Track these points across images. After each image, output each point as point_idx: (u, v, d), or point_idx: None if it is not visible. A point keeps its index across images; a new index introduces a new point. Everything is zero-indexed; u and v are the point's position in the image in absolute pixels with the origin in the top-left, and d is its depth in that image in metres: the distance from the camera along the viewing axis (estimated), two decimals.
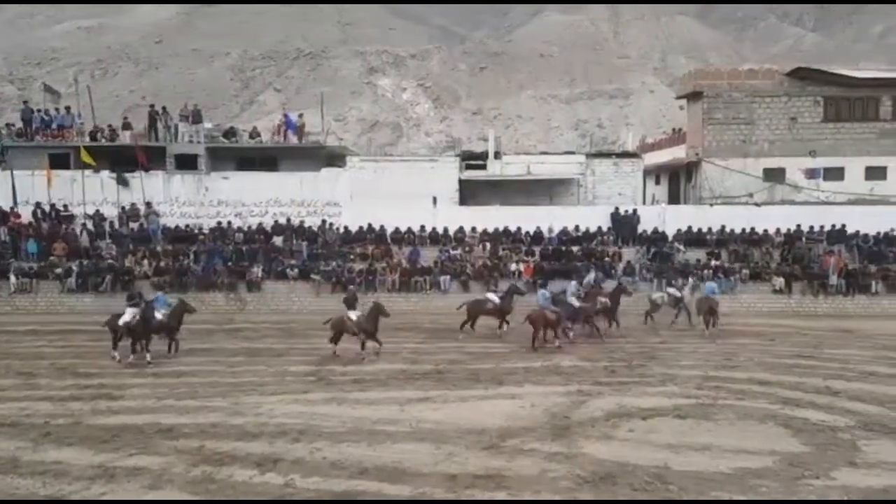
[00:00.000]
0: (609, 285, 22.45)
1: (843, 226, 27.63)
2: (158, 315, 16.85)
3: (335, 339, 16.83)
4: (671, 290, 22.47)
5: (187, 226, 28.31)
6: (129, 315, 16.24)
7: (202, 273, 25.83)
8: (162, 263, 26.26)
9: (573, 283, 20.65)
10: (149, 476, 8.95)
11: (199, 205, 28.84)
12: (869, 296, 25.63)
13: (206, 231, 28.05)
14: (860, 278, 25.74)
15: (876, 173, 30.73)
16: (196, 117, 30.33)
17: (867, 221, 27.74)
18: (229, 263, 26.40)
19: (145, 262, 26.33)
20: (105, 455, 9.63)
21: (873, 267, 26.13)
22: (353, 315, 16.91)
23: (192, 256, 26.71)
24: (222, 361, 16.00)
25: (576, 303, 19.34)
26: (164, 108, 31.39)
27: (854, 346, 18.21)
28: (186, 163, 29.45)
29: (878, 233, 27.60)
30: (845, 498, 8.20)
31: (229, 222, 28.44)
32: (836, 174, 30.79)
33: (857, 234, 27.54)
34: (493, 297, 20.45)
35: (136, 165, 28.24)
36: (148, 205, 28.49)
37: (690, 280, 24.22)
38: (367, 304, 19.21)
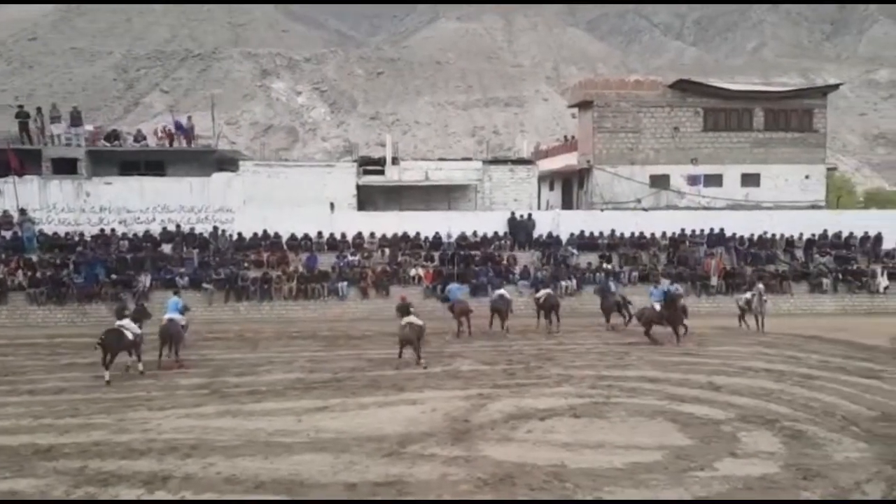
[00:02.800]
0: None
1: (722, 229, 29.27)
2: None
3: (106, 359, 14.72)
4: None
5: (67, 233, 26.73)
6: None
7: (83, 283, 24.41)
8: (38, 273, 24.66)
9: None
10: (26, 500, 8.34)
11: (80, 211, 27.31)
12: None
13: (87, 239, 26.57)
14: (738, 279, 27.31)
15: (750, 180, 32.79)
16: (75, 119, 28.67)
17: (743, 225, 29.51)
18: (113, 275, 25.08)
19: (19, 272, 24.65)
20: None
21: (749, 268, 27.79)
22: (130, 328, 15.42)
23: (71, 266, 25.22)
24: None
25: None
26: (38, 109, 29.46)
27: (733, 343, 19.26)
28: (65, 167, 27.80)
29: (753, 235, 29.38)
30: (727, 486, 8.63)
31: (113, 230, 27.06)
32: (715, 181, 32.65)
33: (734, 236, 29.21)
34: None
35: (7, 170, 26.42)
36: (22, 212, 26.71)
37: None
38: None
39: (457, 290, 21.69)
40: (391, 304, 24.89)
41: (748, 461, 9.48)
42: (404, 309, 16.76)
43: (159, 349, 16.42)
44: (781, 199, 32.28)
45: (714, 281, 27.17)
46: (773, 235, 29.42)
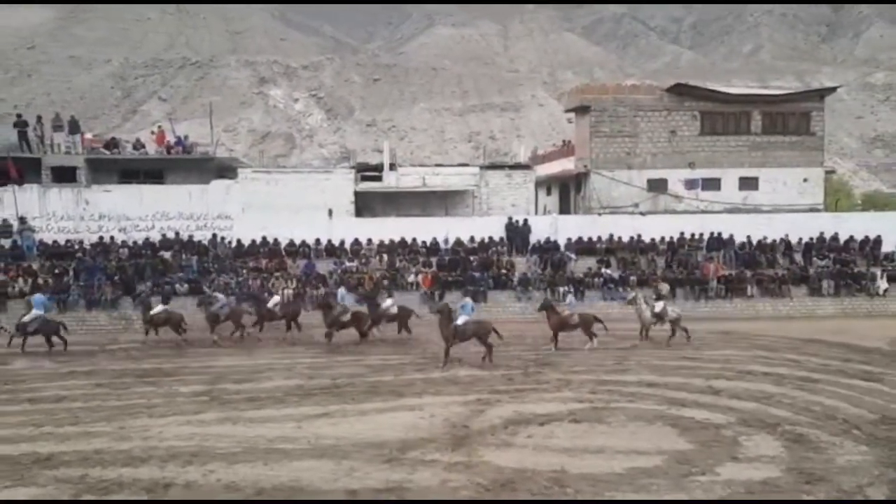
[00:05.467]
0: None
1: (720, 233, 29.31)
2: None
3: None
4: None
5: (67, 241, 26.74)
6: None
7: (84, 290, 24.42)
8: (39, 281, 24.65)
9: None
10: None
11: (79, 219, 27.34)
12: (745, 299, 27.28)
13: (86, 246, 26.57)
14: (737, 283, 27.35)
15: (749, 183, 32.83)
16: (74, 127, 28.72)
17: (742, 229, 29.55)
18: (116, 278, 25.09)
19: (20, 280, 24.63)
20: None
21: (748, 272, 27.82)
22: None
23: (71, 274, 25.21)
24: (106, 384, 15.12)
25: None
26: (38, 118, 29.51)
27: (733, 347, 19.26)
28: (64, 175, 27.82)
29: (750, 238, 29.40)
30: (729, 491, 8.63)
31: (112, 237, 27.07)
32: (713, 184, 32.68)
33: (732, 240, 29.25)
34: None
35: (7, 178, 26.43)
36: (21, 220, 26.71)
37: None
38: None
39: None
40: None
41: (750, 465, 9.47)
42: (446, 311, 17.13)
43: None
44: (780, 203, 32.33)
45: (713, 285, 27.20)
46: (773, 239, 29.44)
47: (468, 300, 18.48)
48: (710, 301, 27.15)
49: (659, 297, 21.39)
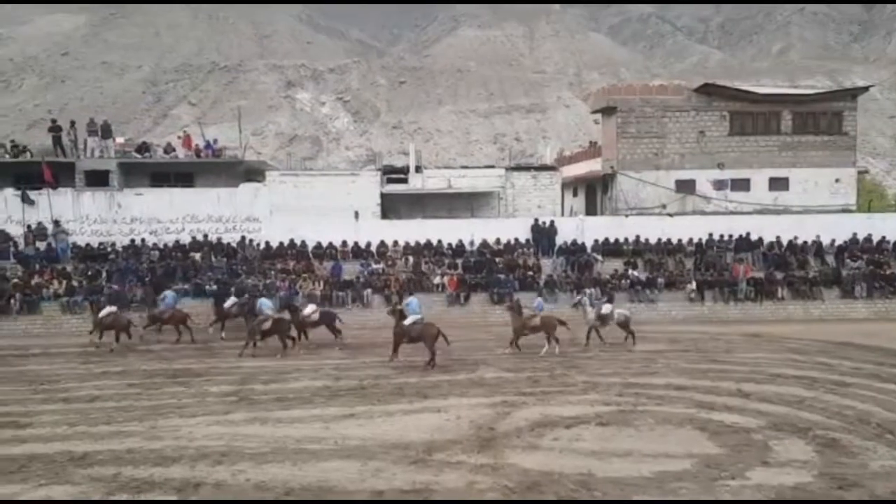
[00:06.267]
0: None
1: (749, 234, 28.95)
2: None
3: None
4: None
5: (100, 244, 27.22)
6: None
7: (118, 292, 24.83)
8: (74, 283, 25.12)
9: None
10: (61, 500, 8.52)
11: (112, 222, 27.81)
12: (775, 301, 26.91)
13: (118, 249, 27.02)
14: (767, 285, 26.98)
15: (779, 184, 32.41)
16: (106, 132, 29.24)
17: (772, 230, 29.17)
18: (146, 280, 25.48)
19: (55, 282, 25.12)
20: (13, 486, 9.09)
21: (779, 274, 27.44)
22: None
23: (104, 275, 25.65)
24: (138, 384, 15.38)
25: None
26: (72, 123, 30.10)
27: (763, 350, 19.04)
28: (97, 179, 28.34)
29: (779, 239, 28.99)
30: (760, 496, 8.54)
31: (143, 240, 27.49)
32: (742, 185, 32.33)
33: (762, 241, 28.87)
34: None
35: (42, 182, 26.97)
36: (56, 223, 27.25)
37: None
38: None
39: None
40: None
41: (781, 470, 9.36)
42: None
43: None
44: (811, 204, 31.87)
45: (742, 287, 26.86)
46: (804, 240, 29.02)
47: (412, 299, 19.31)
48: (739, 303, 26.83)
49: (610, 300, 21.45)
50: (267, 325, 19.40)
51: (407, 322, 17.61)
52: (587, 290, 22.81)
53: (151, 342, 21.33)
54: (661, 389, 14.10)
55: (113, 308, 21.17)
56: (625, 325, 20.10)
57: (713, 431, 11.11)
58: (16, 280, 24.87)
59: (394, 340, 17.74)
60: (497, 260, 27.68)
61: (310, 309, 21.21)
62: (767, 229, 29.18)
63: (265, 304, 20.33)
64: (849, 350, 18.86)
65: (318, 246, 27.99)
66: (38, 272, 25.62)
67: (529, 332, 19.11)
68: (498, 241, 28.61)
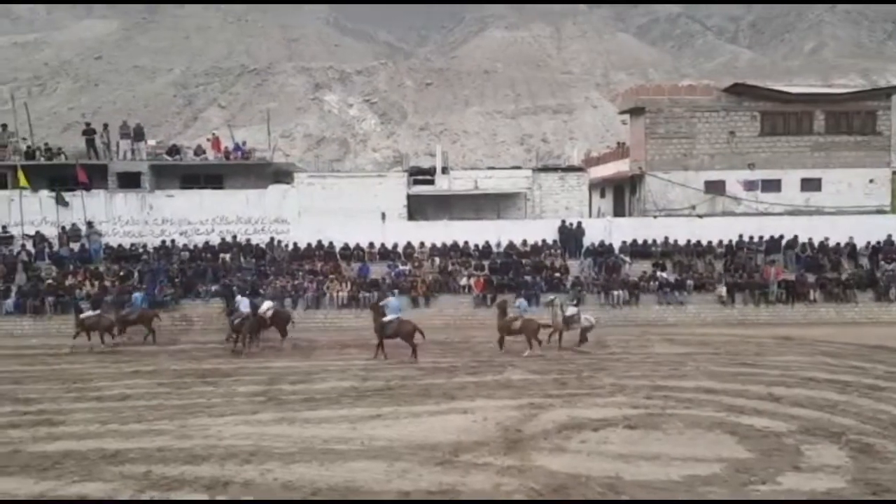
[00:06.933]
0: None
1: (781, 236, 28.52)
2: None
3: None
4: None
5: (132, 245, 27.65)
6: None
7: (149, 292, 25.23)
8: (106, 283, 25.54)
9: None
10: (96, 500, 8.65)
11: (143, 223, 28.22)
12: (807, 304, 26.46)
13: (150, 250, 27.42)
14: (799, 287, 26.55)
15: (811, 185, 31.88)
16: (138, 134, 29.71)
17: (804, 231, 28.69)
18: (177, 280, 25.82)
19: (87, 283, 25.56)
20: (47, 483, 9.27)
21: (811, 276, 27.00)
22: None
23: (136, 276, 26.05)
24: (168, 383, 15.60)
25: None
26: (105, 126, 30.64)
27: (794, 353, 18.74)
28: (129, 181, 28.80)
29: (811, 240, 28.51)
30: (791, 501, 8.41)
31: (173, 241, 27.86)
32: (773, 186, 31.87)
33: (794, 243, 28.42)
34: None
35: (76, 184, 27.47)
36: (89, 224, 27.73)
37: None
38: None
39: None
40: (441, 313, 25.22)
41: (813, 475, 9.20)
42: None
43: None
44: (844, 205, 31.31)
45: (773, 289, 26.47)
46: (837, 242, 28.53)
47: (392, 298, 20.25)
48: (770, 306, 26.42)
49: (578, 303, 21.29)
50: (237, 322, 20.32)
51: (385, 320, 18.50)
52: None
53: (121, 344, 21.48)
54: (690, 392, 13.95)
55: (96, 311, 21.65)
56: (586, 330, 20.12)
57: (743, 435, 10.96)
58: (50, 281, 25.34)
59: (378, 339, 18.60)
60: (524, 261, 27.60)
61: (265, 306, 21.41)
62: (798, 230, 28.70)
63: (243, 303, 20.95)
64: (883, 353, 18.49)
65: (346, 247, 28.13)
66: (72, 272, 26.09)
67: (509, 334, 19.12)
68: (525, 243, 28.52)
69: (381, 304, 19.51)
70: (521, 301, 20.80)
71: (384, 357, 18.27)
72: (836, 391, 13.93)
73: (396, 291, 25.84)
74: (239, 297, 21.50)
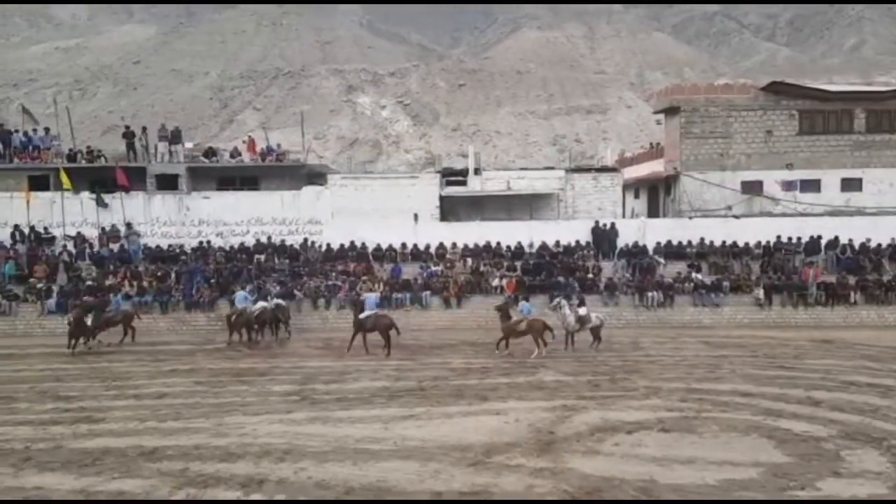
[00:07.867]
0: None
1: (820, 237, 27.95)
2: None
3: None
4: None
5: (169, 246, 28.13)
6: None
7: (186, 293, 25.65)
8: (144, 283, 26.01)
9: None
10: (132, 500, 8.82)
11: (181, 225, 28.69)
12: (848, 306, 25.90)
13: (187, 251, 27.87)
14: (839, 289, 26.00)
15: (852, 185, 31.20)
16: (176, 137, 30.23)
17: (844, 232, 28.09)
18: (213, 281, 26.20)
19: (126, 283, 26.05)
20: (87, 479, 9.48)
21: (852, 277, 26.43)
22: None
23: (173, 276, 26.49)
24: (204, 382, 15.85)
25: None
26: (143, 129, 31.26)
27: (834, 357, 18.38)
28: (167, 183, 29.32)
29: (851, 241, 27.89)
30: None
31: (209, 242, 28.27)
32: (812, 186, 31.24)
33: (834, 244, 27.84)
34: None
35: (115, 186, 28.03)
36: (128, 225, 28.28)
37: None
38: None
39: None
40: (473, 314, 25.21)
41: (853, 481, 9.02)
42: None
43: None
44: (886, 205, 30.57)
45: (812, 291, 25.95)
46: (878, 243, 27.87)
47: (370, 295, 21.31)
48: (809, 308, 25.91)
49: (581, 303, 21.12)
50: (234, 317, 21.43)
51: (362, 315, 19.57)
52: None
53: (103, 345, 21.68)
54: (726, 396, 13.76)
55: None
56: (597, 329, 20.11)
57: (781, 440, 10.78)
58: (90, 281, 25.86)
59: (353, 333, 19.70)
60: (556, 262, 27.46)
61: (259, 305, 22.34)
62: (838, 231, 28.09)
63: (239, 297, 22.03)
64: None
65: (378, 248, 28.27)
66: (112, 273, 26.62)
67: (515, 336, 19.15)
68: (557, 244, 28.37)
69: (360, 298, 20.70)
70: (525, 304, 20.74)
71: (366, 352, 19.17)
72: (877, 395, 13.63)
73: (429, 293, 25.95)
74: (238, 293, 22.48)
